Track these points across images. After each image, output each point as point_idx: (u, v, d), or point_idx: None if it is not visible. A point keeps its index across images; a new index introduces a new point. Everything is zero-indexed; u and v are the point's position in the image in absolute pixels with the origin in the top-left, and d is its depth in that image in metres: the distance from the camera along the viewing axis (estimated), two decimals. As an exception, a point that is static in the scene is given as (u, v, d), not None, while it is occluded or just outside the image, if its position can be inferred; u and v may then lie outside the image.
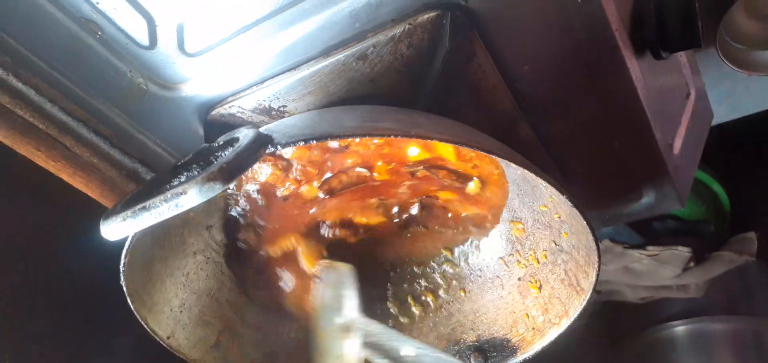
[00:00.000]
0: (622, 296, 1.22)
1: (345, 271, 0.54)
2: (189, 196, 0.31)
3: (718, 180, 1.15)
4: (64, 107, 0.61)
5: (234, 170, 0.32)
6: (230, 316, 0.60)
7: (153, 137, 0.61)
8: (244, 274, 0.60)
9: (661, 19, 0.52)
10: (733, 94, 0.85)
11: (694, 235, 1.20)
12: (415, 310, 0.65)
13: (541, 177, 0.41)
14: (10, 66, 0.57)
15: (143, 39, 0.50)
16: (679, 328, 1.31)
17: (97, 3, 0.48)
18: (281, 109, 0.55)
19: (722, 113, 0.89)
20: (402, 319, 0.66)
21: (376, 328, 0.50)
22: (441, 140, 0.37)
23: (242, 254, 0.59)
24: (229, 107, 0.55)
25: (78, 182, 0.67)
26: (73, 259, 0.67)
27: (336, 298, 0.51)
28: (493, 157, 0.40)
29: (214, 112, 0.56)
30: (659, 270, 1.10)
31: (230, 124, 0.56)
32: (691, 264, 1.10)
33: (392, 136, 0.36)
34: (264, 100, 0.54)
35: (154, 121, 0.59)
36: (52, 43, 0.52)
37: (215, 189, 0.31)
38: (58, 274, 0.67)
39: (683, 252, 1.07)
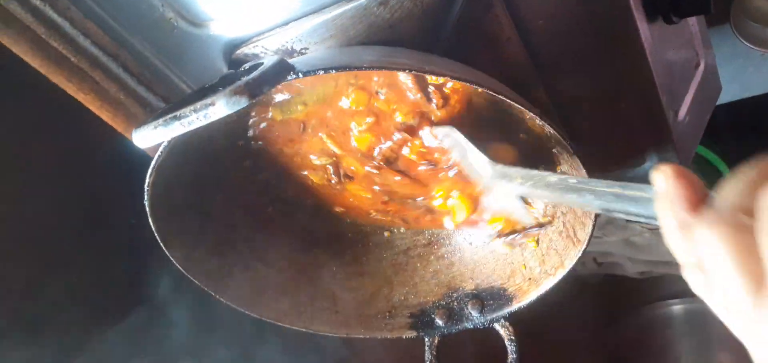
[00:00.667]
0: (622, 269, 1.24)
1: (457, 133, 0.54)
2: (217, 108, 0.34)
3: (725, 160, 1.17)
4: (96, 41, 0.64)
5: (259, 86, 0.35)
6: (244, 248, 0.63)
7: (179, 73, 0.64)
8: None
9: (674, -16, 0.54)
10: (744, 72, 0.86)
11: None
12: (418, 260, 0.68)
13: (546, 122, 0.43)
14: (47, -4, 0.60)
15: (175, -26, 0.53)
16: (677, 307, 1.33)
17: (134, -66, 0.50)
18: (303, 50, 0.57)
19: (733, 91, 0.90)
20: (407, 263, 0.70)
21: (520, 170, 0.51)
22: (453, 78, 0.40)
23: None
24: (254, 47, 0.58)
25: (105, 115, 0.71)
26: (101, 184, 0.70)
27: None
28: (503, 100, 0.42)
29: (238, 52, 0.58)
30: (660, 245, 1.12)
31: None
32: (693, 241, 1.12)
33: (407, 71, 0.39)
34: (287, 42, 0.57)
35: (182, 57, 0.61)
36: (88, -26, 0.55)
37: (241, 102, 0.34)
38: (86, 197, 0.70)
39: (685, 228, 1.09)
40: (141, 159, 0.53)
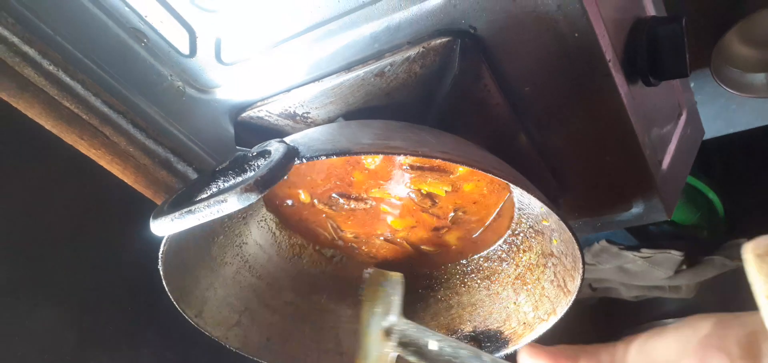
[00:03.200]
0: (617, 293, 1.27)
1: (396, 278, 0.60)
2: (229, 204, 0.37)
3: (713, 188, 1.20)
4: (106, 101, 0.67)
5: (268, 182, 0.38)
6: (250, 298, 0.66)
7: (187, 133, 0.67)
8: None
9: (653, 51, 0.57)
10: (727, 110, 0.90)
11: (688, 240, 1.25)
12: (417, 302, 0.71)
13: (533, 194, 0.46)
14: (61, 63, 0.63)
15: (184, 48, 0.56)
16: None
17: (145, 16, 0.54)
18: (305, 115, 0.60)
19: (717, 128, 0.93)
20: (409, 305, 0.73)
21: (409, 326, 0.56)
22: (444, 159, 0.43)
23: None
24: (258, 111, 0.61)
25: (115, 168, 0.74)
26: (115, 242, 0.74)
27: (384, 303, 0.58)
28: (492, 175, 0.45)
29: (244, 115, 0.62)
30: (652, 271, 1.15)
31: (258, 126, 0.62)
32: (684, 267, 1.15)
33: (401, 154, 0.42)
34: (290, 107, 0.60)
35: (190, 120, 0.65)
36: (101, 46, 0.59)
37: (251, 198, 0.37)
38: (103, 252, 0.74)
39: (675, 255, 1.13)
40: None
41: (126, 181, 0.75)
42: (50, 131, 0.68)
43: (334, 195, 0.60)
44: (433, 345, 0.50)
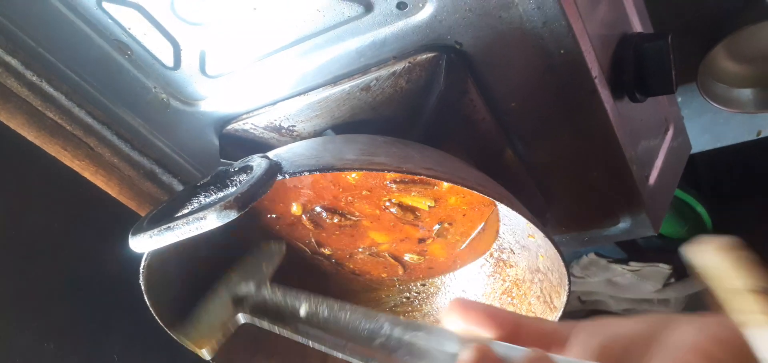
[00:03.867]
0: (606, 306, 1.27)
1: (274, 248, 0.57)
2: (208, 221, 0.37)
3: (701, 201, 1.21)
4: (90, 112, 0.66)
5: (248, 199, 0.37)
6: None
7: (171, 145, 0.67)
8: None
9: (639, 68, 0.57)
10: (715, 125, 0.90)
11: (677, 253, 1.25)
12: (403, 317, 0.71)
13: (518, 211, 0.46)
14: (44, 73, 0.62)
15: (168, 61, 0.56)
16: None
17: (129, 28, 0.53)
18: (290, 128, 0.60)
19: (705, 142, 0.94)
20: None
21: (277, 295, 0.51)
22: (428, 176, 0.43)
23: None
24: (243, 124, 0.61)
25: (99, 180, 0.73)
26: (98, 251, 0.73)
27: (247, 272, 0.55)
28: (477, 192, 0.45)
29: (229, 127, 0.61)
30: (641, 284, 1.15)
31: (243, 138, 0.62)
32: (672, 280, 1.16)
33: (385, 171, 0.42)
34: (275, 120, 0.60)
35: (174, 132, 0.64)
36: (84, 58, 0.58)
37: (231, 216, 0.37)
38: (83, 266, 0.73)
39: (664, 269, 1.13)
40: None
41: (110, 193, 0.74)
42: (33, 142, 0.67)
43: (317, 209, 0.59)
44: (303, 310, 0.46)
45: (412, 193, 0.57)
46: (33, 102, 0.66)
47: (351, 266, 0.69)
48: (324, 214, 0.59)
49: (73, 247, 0.72)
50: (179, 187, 0.75)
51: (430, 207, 0.58)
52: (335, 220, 0.59)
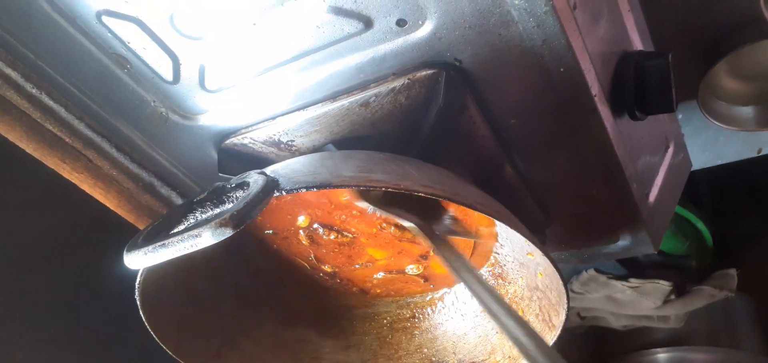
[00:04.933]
0: (605, 322, 1.27)
1: None
2: (203, 239, 0.37)
3: (701, 218, 1.20)
4: (90, 124, 0.66)
5: (243, 217, 0.37)
6: (231, 328, 0.65)
7: (170, 159, 0.66)
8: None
9: (639, 86, 0.57)
10: (716, 142, 0.90)
11: (677, 269, 1.25)
12: (402, 333, 0.70)
13: (517, 229, 0.46)
14: (44, 86, 0.62)
15: (167, 75, 0.55)
16: (662, 355, 1.35)
17: (128, 42, 0.53)
18: (289, 143, 0.60)
19: (706, 160, 0.93)
20: (391, 336, 0.72)
21: None
22: (426, 194, 0.42)
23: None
24: (242, 138, 0.60)
25: (98, 193, 0.73)
26: (95, 264, 0.72)
27: None
28: (475, 210, 0.45)
29: (228, 142, 0.61)
30: (641, 301, 1.15)
31: (242, 153, 0.62)
32: (672, 297, 1.15)
33: (384, 188, 0.42)
34: (274, 135, 0.59)
35: (173, 145, 0.64)
36: (84, 71, 0.58)
37: (226, 233, 0.36)
38: (81, 278, 0.72)
39: (664, 285, 1.12)
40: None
41: (108, 205, 0.74)
42: (31, 154, 0.67)
43: (315, 225, 0.59)
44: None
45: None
46: (32, 114, 0.66)
47: (348, 280, 0.69)
48: (321, 231, 0.59)
49: (70, 261, 0.72)
50: (178, 200, 0.75)
51: None
52: (332, 237, 0.59)
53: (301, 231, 0.61)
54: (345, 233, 0.60)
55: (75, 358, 0.71)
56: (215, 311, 0.63)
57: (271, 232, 0.62)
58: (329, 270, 0.66)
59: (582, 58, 0.50)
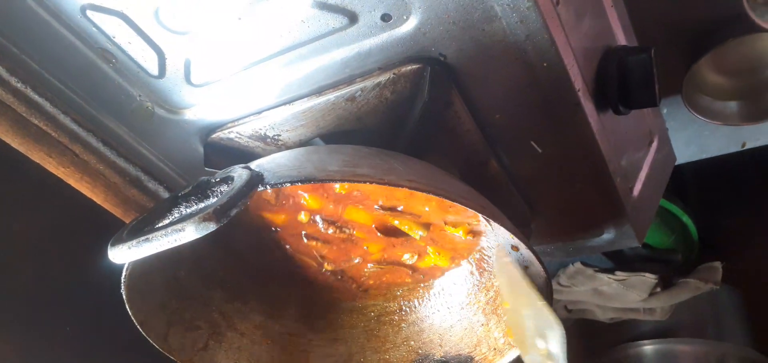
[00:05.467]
0: (592, 315, 1.28)
1: None
2: (186, 233, 0.37)
3: (687, 212, 1.22)
4: (76, 119, 0.66)
5: (226, 210, 0.37)
6: (219, 321, 0.65)
7: (156, 153, 0.66)
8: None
9: (623, 80, 0.58)
10: (700, 136, 0.91)
11: (663, 262, 1.26)
12: (389, 326, 0.71)
13: (501, 223, 0.46)
14: (29, 80, 0.62)
15: (153, 69, 0.55)
16: (648, 347, 1.37)
17: (113, 36, 0.53)
18: (275, 137, 0.60)
19: (691, 153, 0.94)
20: (379, 329, 0.72)
21: None
22: (411, 188, 0.43)
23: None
24: (228, 132, 0.61)
25: (84, 187, 0.73)
26: (83, 259, 0.72)
27: None
28: (460, 205, 0.45)
29: (213, 136, 0.61)
30: (627, 294, 1.16)
31: (228, 147, 0.62)
32: (658, 289, 1.16)
33: (368, 183, 0.42)
34: (260, 129, 0.60)
35: (159, 140, 0.64)
36: (68, 65, 0.58)
37: (210, 227, 0.37)
38: (69, 273, 0.72)
39: (650, 278, 1.14)
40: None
41: (95, 199, 0.74)
42: (17, 149, 0.66)
43: (315, 217, 0.59)
44: None
45: (396, 222, 0.57)
46: (17, 108, 0.65)
47: (349, 274, 0.69)
48: (320, 225, 0.59)
49: (57, 256, 0.72)
50: (165, 194, 0.75)
51: (421, 236, 0.58)
52: (330, 231, 0.60)
53: (302, 228, 0.62)
54: (344, 228, 0.60)
55: (65, 355, 0.71)
56: (203, 305, 0.63)
57: (277, 229, 0.62)
58: (330, 268, 0.67)
59: (565, 54, 0.50)
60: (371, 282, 0.71)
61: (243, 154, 0.62)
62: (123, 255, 0.38)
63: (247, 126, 0.60)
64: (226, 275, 0.66)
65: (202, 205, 0.41)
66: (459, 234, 0.61)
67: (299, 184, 0.42)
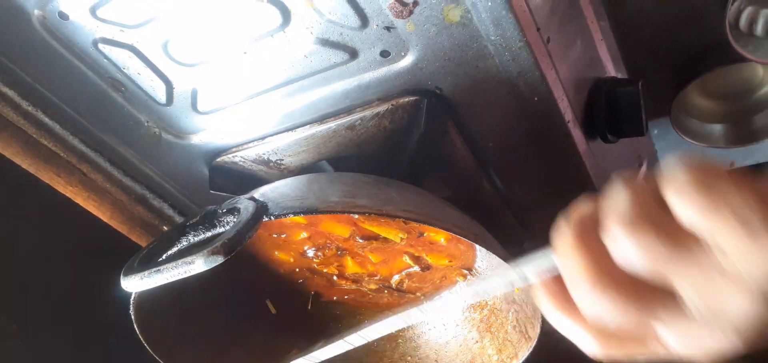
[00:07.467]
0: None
1: None
2: (196, 265, 0.39)
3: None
4: (83, 139, 0.69)
5: (235, 244, 0.40)
6: (223, 338, 0.67)
7: (162, 175, 0.69)
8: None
9: (611, 111, 0.60)
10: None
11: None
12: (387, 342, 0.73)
13: (493, 251, 0.48)
14: (39, 104, 0.64)
15: (161, 98, 0.58)
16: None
17: (124, 67, 0.55)
18: (278, 161, 0.62)
19: (680, 173, 0.96)
20: (376, 344, 0.75)
21: None
22: (406, 219, 0.45)
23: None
24: (233, 156, 0.63)
25: (91, 205, 0.75)
26: (91, 276, 0.74)
27: None
28: (454, 234, 0.47)
29: (219, 160, 0.63)
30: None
31: (233, 170, 0.64)
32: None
33: (365, 214, 0.44)
34: (264, 154, 0.62)
35: (166, 162, 0.66)
36: (80, 93, 0.60)
37: (218, 260, 0.39)
38: (76, 288, 0.74)
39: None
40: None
41: (102, 217, 0.76)
42: (27, 170, 0.69)
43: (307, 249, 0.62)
44: None
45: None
46: (28, 130, 0.68)
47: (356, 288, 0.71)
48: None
49: (68, 276, 0.74)
50: (170, 212, 0.77)
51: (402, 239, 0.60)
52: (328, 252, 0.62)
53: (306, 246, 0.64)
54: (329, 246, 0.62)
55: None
56: (208, 323, 0.65)
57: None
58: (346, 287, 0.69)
59: (555, 88, 0.53)
60: (377, 297, 0.74)
61: (247, 177, 0.65)
62: (135, 285, 0.40)
63: (251, 151, 0.62)
64: (230, 294, 0.68)
65: (209, 233, 0.44)
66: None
67: (302, 215, 0.45)
